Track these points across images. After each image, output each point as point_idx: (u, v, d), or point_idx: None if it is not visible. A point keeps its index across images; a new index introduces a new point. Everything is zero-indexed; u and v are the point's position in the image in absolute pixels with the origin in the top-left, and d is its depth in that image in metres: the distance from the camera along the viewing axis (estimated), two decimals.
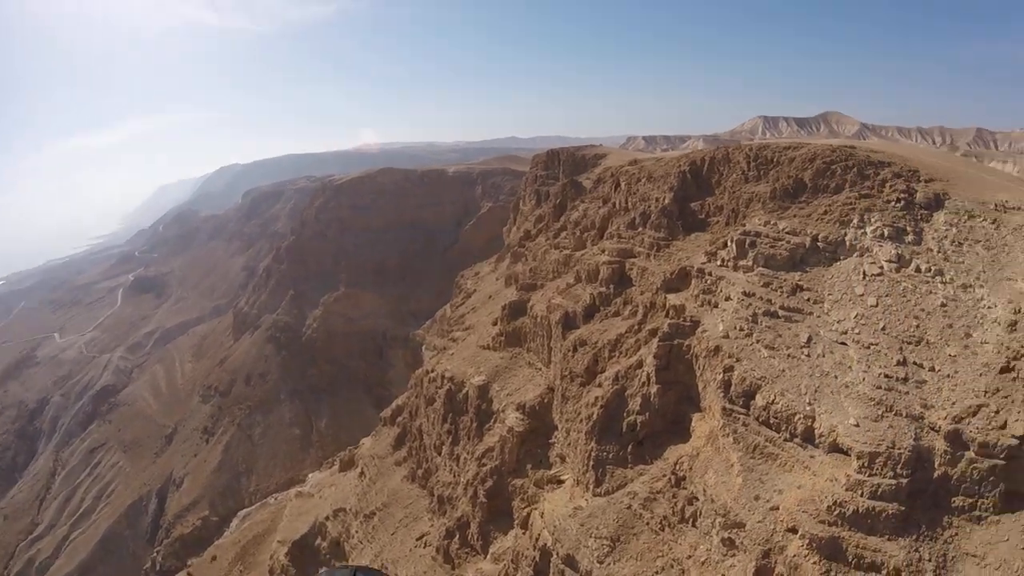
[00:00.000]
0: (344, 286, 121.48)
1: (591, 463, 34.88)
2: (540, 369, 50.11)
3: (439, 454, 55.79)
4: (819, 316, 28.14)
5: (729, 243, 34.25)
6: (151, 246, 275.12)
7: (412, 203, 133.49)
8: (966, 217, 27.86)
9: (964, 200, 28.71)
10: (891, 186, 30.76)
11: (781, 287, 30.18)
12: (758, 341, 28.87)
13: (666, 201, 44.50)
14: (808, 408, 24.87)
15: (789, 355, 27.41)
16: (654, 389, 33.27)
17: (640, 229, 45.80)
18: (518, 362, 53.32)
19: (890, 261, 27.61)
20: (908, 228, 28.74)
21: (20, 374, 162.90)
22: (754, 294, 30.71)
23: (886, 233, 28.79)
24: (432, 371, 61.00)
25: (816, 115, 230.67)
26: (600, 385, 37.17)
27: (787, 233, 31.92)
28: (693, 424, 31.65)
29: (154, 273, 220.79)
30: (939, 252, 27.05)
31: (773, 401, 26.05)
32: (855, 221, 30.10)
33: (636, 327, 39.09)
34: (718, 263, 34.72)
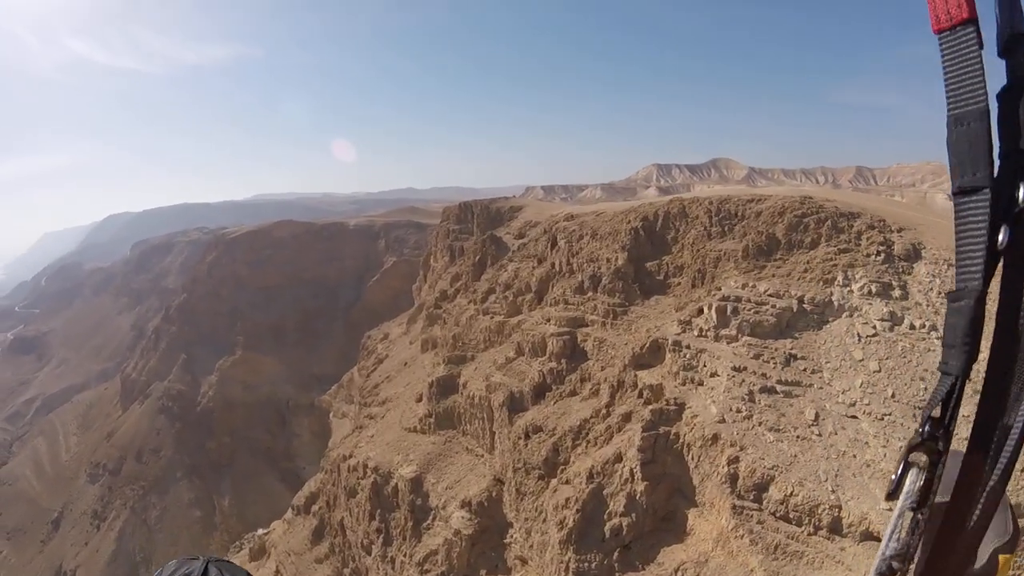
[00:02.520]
0: (241, 349, 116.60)
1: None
2: (481, 456, 45.69)
3: (368, 554, 49.30)
4: (821, 388, 26.85)
5: (707, 310, 32.48)
6: (32, 300, 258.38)
7: (312, 258, 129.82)
8: (946, 266, 27.99)
9: (938, 248, 28.91)
10: (868, 238, 30.60)
11: (774, 358, 28.55)
12: (760, 424, 26.84)
13: (619, 262, 41.88)
14: (832, 496, 23.12)
15: (798, 436, 25.68)
16: (641, 487, 29.82)
17: (590, 294, 43.13)
18: (453, 448, 48.37)
19: (883, 320, 27.21)
20: (893, 283, 28.44)
21: None
22: (745, 368, 28.72)
23: (873, 290, 28.37)
24: (351, 457, 55.36)
25: (706, 161, 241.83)
26: (569, 482, 33.57)
27: (770, 296, 30.82)
28: (691, 523, 28.62)
29: (34, 333, 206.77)
30: (928, 306, 26.94)
31: (792, 493, 24.01)
32: (839, 279, 29.62)
33: (603, 411, 35.35)
34: (695, 333, 32.58)
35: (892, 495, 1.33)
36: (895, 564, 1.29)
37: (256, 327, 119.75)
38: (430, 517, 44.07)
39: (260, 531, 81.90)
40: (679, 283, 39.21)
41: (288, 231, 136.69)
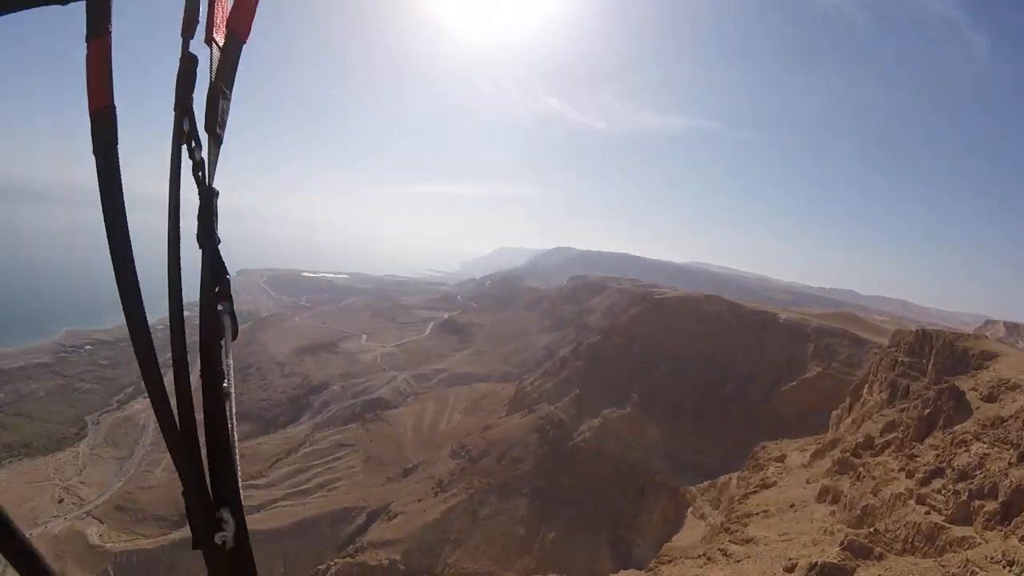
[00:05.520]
0: (631, 406, 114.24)
1: None
2: None
3: None
4: None
5: None
6: (474, 296, 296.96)
7: (730, 341, 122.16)
8: None
9: None
10: None
11: None
12: None
13: None
14: None
15: None
16: None
17: None
18: None
19: None
20: None
21: (319, 354, 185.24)
22: None
23: None
24: None
25: None
26: None
27: None
28: None
29: (465, 320, 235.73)
30: None
31: None
32: None
33: None
34: None
35: None
36: None
37: (653, 391, 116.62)
38: None
39: None
40: None
41: (714, 307, 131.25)
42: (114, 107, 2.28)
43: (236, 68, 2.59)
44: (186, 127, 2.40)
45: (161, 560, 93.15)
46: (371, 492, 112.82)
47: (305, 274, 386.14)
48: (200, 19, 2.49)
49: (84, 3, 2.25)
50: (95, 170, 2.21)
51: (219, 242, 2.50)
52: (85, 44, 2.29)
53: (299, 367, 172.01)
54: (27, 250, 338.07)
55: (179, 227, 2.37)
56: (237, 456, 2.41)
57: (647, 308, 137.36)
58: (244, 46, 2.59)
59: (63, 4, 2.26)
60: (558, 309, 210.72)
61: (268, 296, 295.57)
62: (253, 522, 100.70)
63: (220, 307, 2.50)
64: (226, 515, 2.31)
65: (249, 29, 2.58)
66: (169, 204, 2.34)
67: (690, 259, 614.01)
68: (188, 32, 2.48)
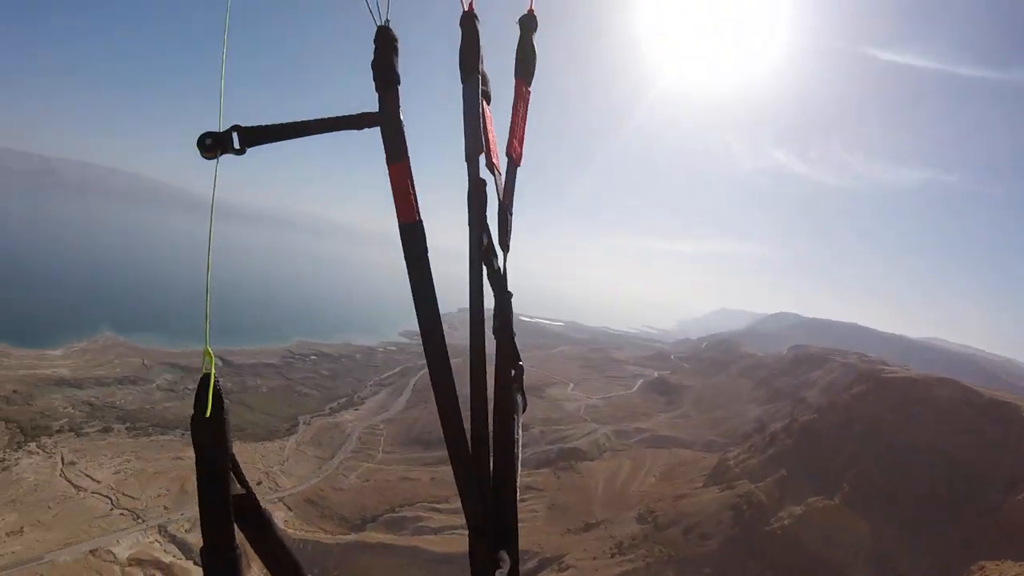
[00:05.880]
0: (841, 498, 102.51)
1: None
2: None
3: None
4: None
5: None
6: (687, 356, 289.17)
7: (964, 434, 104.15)
8: None
9: None
10: None
11: None
12: None
13: None
14: None
15: None
16: None
17: None
18: None
19: None
20: None
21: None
22: None
23: None
24: None
25: None
26: None
27: None
28: None
29: (675, 381, 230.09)
30: None
31: None
32: None
33: None
34: None
35: None
36: None
37: (868, 482, 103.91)
38: None
39: None
40: None
41: (948, 392, 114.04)
42: (421, 222, 2.71)
43: (514, 187, 3.09)
44: (484, 241, 2.83)
45: (334, 555, 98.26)
46: (548, 539, 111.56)
47: (522, 318, 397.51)
48: (481, 146, 2.91)
49: (379, 131, 2.71)
50: (407, 277, 2.64)
51: (514, 335, 3.02)
52: (386, 167, 2.73)
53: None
54: (263, 268, 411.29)
55: (483, 328, 2.81)
56: (518, 522, 2.89)
57: (872, 388, 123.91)
58: (519, 168, 3.13)
59: (358, 129, 2.74)
60: (774, 380, 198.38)
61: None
62: (429, 543, 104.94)
63: (513, 387, 3.07)
64: (504, 555, 2.71)
65: (521, 154, 3.14)
66: (471, 308, 2.75)
67: (926, 334, 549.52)
68: (473, 158, 2.87)
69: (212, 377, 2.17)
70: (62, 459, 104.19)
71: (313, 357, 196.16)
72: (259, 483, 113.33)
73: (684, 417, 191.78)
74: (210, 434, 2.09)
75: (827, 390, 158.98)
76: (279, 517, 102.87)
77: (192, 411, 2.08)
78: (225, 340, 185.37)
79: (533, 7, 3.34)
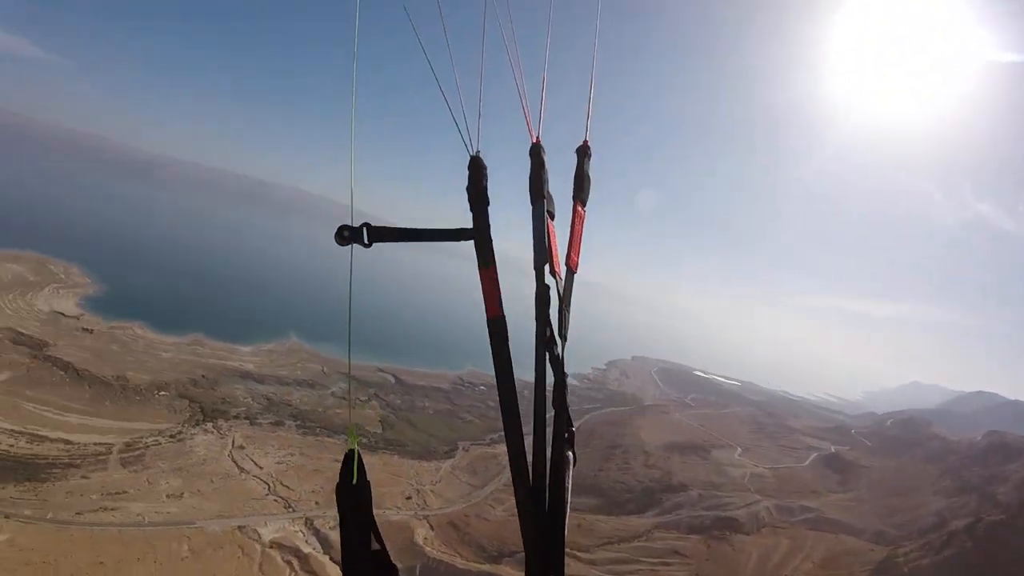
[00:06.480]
0: None
1: None
2: None
3: None
4: None
5: None
6: (869, 433, 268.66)
7: None
8: None
9: None
10: None
11: None
12: None
13: None
14: None
15: None
16: None
17: None
18: None
19: None
20: None
21: (688, 455, 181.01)
22: None
23: None
24: None
25: None
26: None
27: None
28: None
29: (852, 459, 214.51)
30: None
31: None
32: None
33: None
34: None
35: None
36: None
37: None
38: None
39: None
40: None
41: None
42: (504, 317, 3.43)
43: (572, 290, 3.72)
44: (547, 334, 3.48)
45: None
46: None
47: (696, 372, 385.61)
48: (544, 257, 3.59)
49: (473, 243, 3.44)
50: (492, 363, 3.47)
51: (568, 407, 3.56)
52: (478, 271, 3.44)
53: (664, 462, 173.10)
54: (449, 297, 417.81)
55: (544, 399, 3.53)
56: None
57: None
58: (575, 275, 3.76)
59: (457, 241, 3.52)
60: (963, 469, 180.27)
61: (655, 386, 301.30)
62: None
63: (566, 446, 3.57)
64: None
65: (578, 263, 3.76)
66: (535, 383, 3.51)
67: None
68: (540, 268, 3.56)
69: (356, 452, 3.03)
70: (233, 442, 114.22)
71: (482, 387, 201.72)
72: (408, 498, 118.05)
73: (856, 500, 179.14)
74: (355, 501, 2.83)
75: (1022, 487, 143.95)
76: (420, 534, 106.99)
77: (338, 478, 2.85)
78: (401, 359, 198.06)
79: (588, 140, 4.04)
